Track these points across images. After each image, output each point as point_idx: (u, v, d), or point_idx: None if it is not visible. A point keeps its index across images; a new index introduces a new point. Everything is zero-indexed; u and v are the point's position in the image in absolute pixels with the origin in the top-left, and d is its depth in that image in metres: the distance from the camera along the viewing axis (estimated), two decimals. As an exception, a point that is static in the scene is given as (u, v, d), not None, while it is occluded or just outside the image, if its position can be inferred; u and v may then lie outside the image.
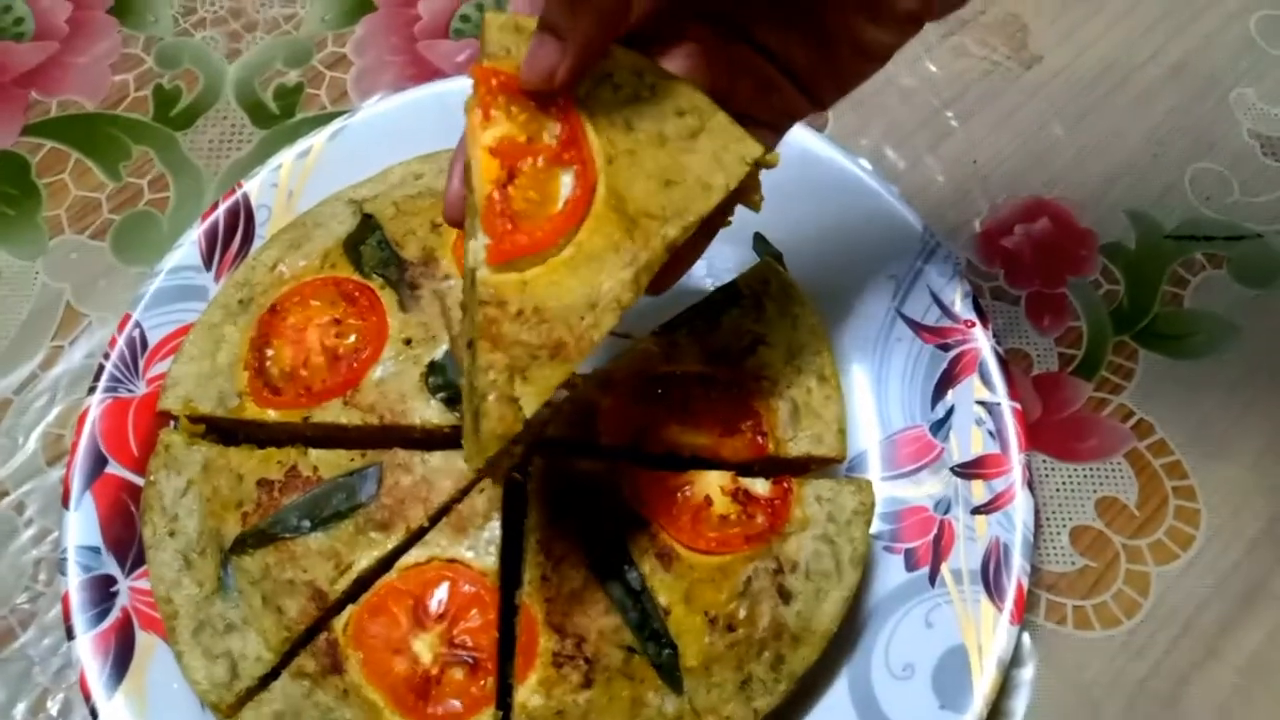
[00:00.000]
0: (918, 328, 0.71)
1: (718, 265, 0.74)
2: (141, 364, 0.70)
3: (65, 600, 0.63)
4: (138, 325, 0.71)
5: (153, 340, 0.71)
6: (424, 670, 0.58)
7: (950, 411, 0.69)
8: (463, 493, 0.63)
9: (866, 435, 0.71)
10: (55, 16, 0.92)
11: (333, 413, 0.64)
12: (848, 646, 0.63)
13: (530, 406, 0.44)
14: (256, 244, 0.74)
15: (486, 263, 0.45)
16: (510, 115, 0.47)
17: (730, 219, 0.54)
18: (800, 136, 0.74)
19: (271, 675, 0.60)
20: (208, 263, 0.74)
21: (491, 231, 0.46)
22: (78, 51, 0.90)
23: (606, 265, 0.46)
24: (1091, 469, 0.73)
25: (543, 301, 0.45)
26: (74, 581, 0.63)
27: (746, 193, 0.52)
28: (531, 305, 0.45)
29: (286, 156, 0.77)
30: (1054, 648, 0.67)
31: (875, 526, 0.64)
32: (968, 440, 0.68)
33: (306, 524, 0.62)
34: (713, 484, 0.62)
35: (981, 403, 0.68)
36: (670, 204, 0.48)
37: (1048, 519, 0.71)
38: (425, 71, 0.90)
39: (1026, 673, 0.66)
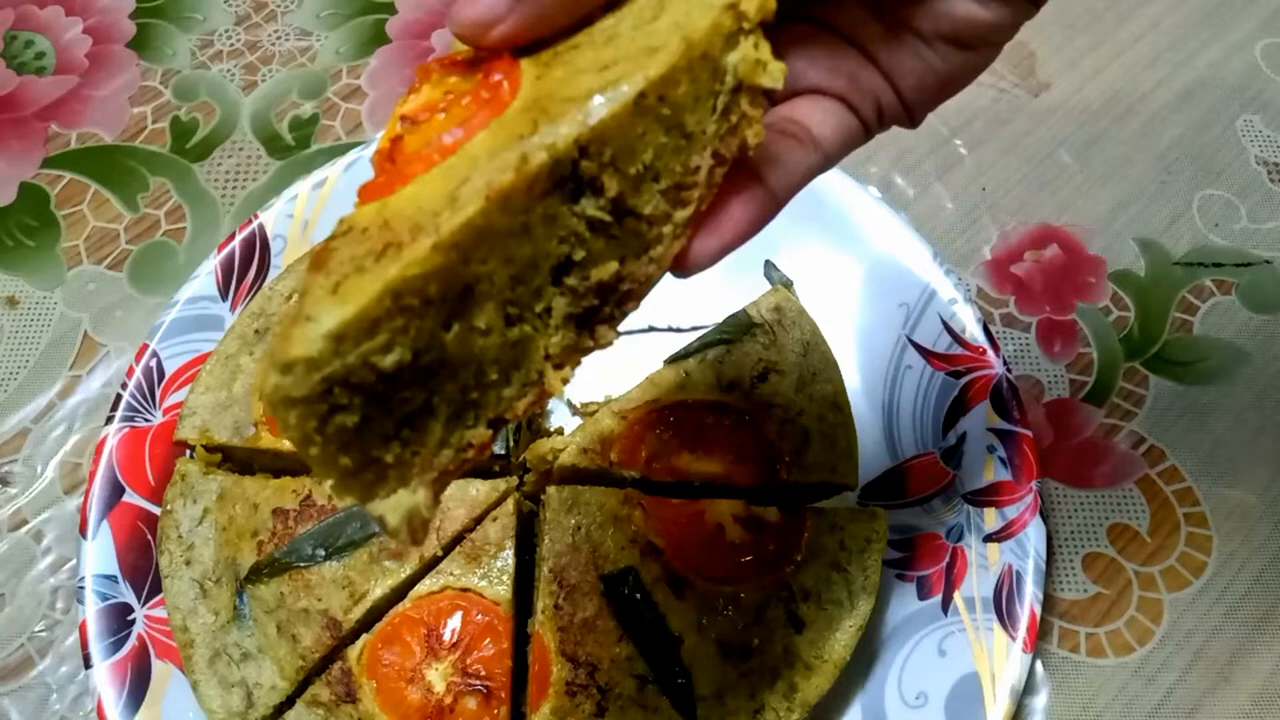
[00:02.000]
0: (929, 355, 0.72)
1: (729, 293, 0.75)
2: (158, 393, 0.71)
3: (83, 628, 0.64)
4: (155, 355, 0.72)
5: (170, 370, 0.72)
6: (437, 699, 0.58)
7: (962, 439, 0.69)
8: (476, 521, 0.64)
9: (878, 463, 0.71)
10: (76, 50, 0.94)
11: (348, 442, 0.65)
12: (861, 675, 0.63)
13: (332, 317, 0.30)
14: (272, 274, 0.75)
15: (356, 205, 0.35)
16: (437, 84, 0.39)
17: (753, 145, 0.38)
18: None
19: (286, 704, 0.61)
20: (224, 293, 0.75)
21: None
22: (97, 85, 0.92)
23: (491, 159, 0.34)
24: (1103, 495, 0.73)
25: (396, 213, 0.34)
26: (91, 610, 0.64)
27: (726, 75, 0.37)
28: (381, 220, 0.33)
29: (302, 187, 0.78)
30: (1067, 675, 0.67)
31: (887, 554, 0.64)
32: (980, 467, 0.68)
33: (321, 553, 0.62)
34: (725, 512, 0.62)
35: (993, 430, 0.69)
36: (600, 84, 0.35)
37: (1060, 546, 0.71)
38: (438, 102, 0.91)
39: (1040, 700, 0.66)
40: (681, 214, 0.38)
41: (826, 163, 0.43)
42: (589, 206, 0.35)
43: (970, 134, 0.88)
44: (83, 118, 0.90)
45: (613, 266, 0.37)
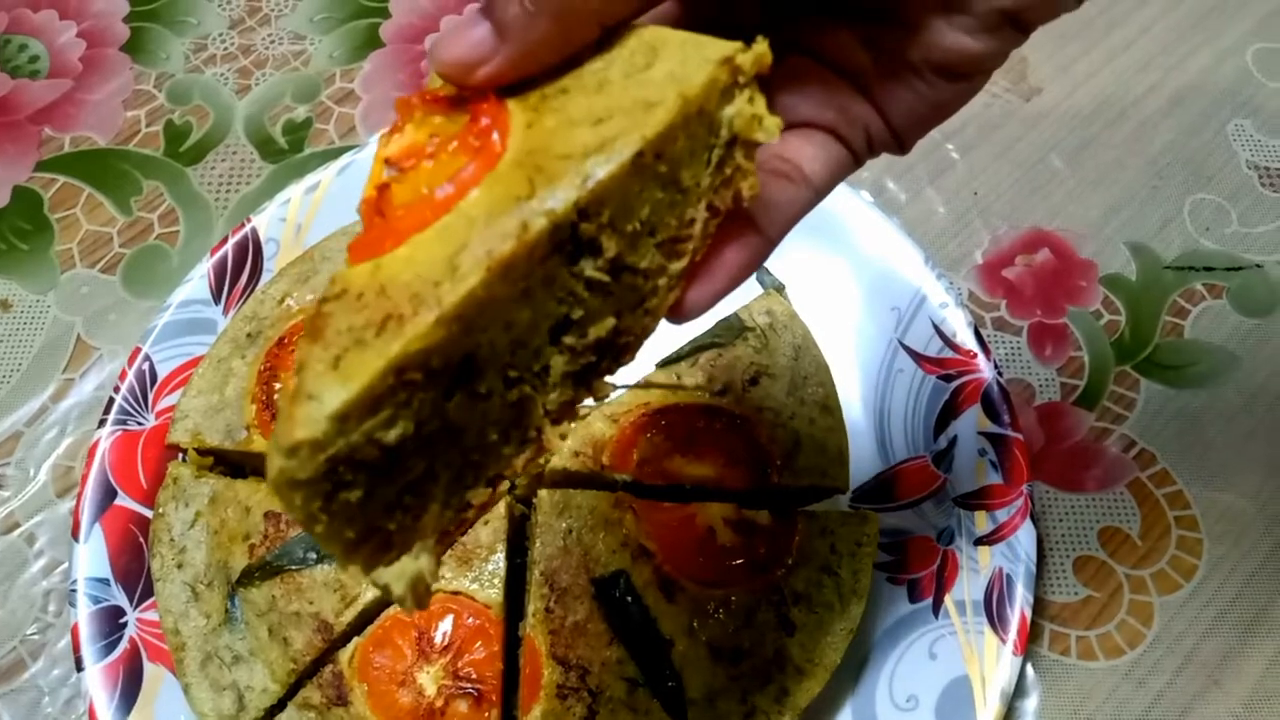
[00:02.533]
0: (920, 359, 0.72)
1: (721, 303, 0.75)
2: (151, 397, 0.71)
3: (74, 631, 0.64)
4: (147, 358, 0.72)
5: (162, 373, 0.72)
6: (428, 702, 0.58)
7: (953, 442, 0.69)
8: (468, 525, 0.64)
9: (869, 466, 0.71)
10: (69, 54, 0.94)
11: (339, 445, 0.65)
12: (851, 678, 0.63)
13: (335, 397, 0.30)
14: (265, 278, 0.75)
15: (347, 261, 0.34)
16: (420, 122, 0.38)
17: (748, 197, 0.38)
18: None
19: (278, 707, 0.61)
20: (217, 296, 0.75)
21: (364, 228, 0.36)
22: (91, 88, 0.92)
23: (490, 224, 0.33)
24: (1094, 499, 0.73)
25: (393, 278, 0.32)
26: (83, 613, 0.64)
27: (721, 125, 0.36)
28: (377, 285, 0.32)
29: (295, 191, 0.78)
30: (1058, 678, 0.67)
31: (878, 558, 0.64)
32: (971, 471, 0.68)
33: (313, 556, 0.62)
34: (715, 515, 0.62)
35: (984, 433, 0.69)
36: (596, 139, 0.34)
37: (1051, 549, 0.71)
38: (432, 106, 0.91)
39: (1030, 703, 0.66)
40: (676, 265, 0.38)
41: (817, 197, 0.43)
42: (588, 267, 0.35)
43: (962, 139, 0.88)
44: (76, 121, 0.90)
45: (610, 322, 0.36)
